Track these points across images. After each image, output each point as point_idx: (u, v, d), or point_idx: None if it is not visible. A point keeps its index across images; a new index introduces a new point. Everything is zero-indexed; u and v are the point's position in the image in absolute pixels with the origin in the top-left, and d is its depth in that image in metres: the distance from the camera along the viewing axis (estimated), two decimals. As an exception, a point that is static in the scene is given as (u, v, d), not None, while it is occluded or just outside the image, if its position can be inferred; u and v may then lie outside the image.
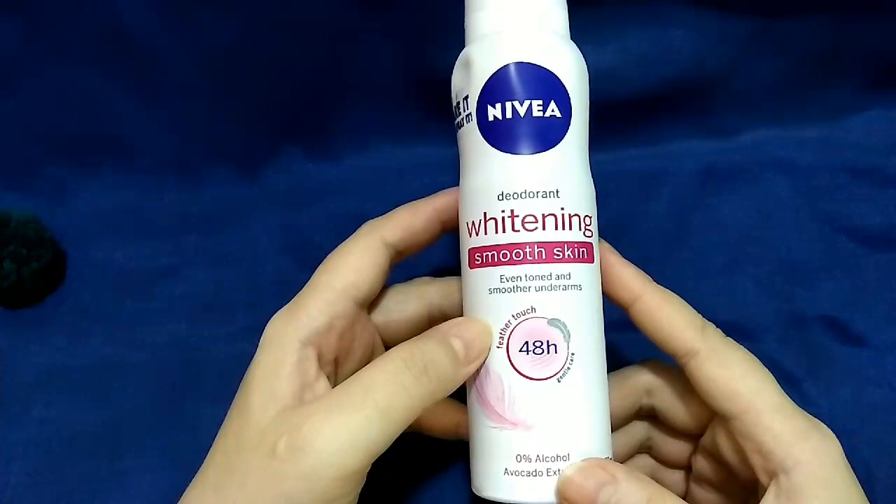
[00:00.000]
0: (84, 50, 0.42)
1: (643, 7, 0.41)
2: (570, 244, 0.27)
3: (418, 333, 0.33)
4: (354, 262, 0.29)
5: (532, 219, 0.27)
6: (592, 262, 0.28)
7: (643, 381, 0.31)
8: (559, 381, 0.27)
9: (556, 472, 0.26)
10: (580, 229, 0.28)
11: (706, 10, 0.41)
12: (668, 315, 0.29)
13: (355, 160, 0.46)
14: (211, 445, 0.27)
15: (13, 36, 0.42)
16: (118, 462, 0.38)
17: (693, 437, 0.31)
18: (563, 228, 0.27)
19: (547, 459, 0.27)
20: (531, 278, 0.27)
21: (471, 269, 0.28)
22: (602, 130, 0.43)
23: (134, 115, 0.44)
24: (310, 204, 0.46)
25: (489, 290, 0.28)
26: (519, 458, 0.27)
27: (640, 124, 0.45)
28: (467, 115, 0.28)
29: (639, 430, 0.33)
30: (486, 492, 0.28)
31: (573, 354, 0.27)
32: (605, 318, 0.29)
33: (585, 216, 0.28)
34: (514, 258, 0.27)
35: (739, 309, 0.41)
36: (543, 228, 0.27)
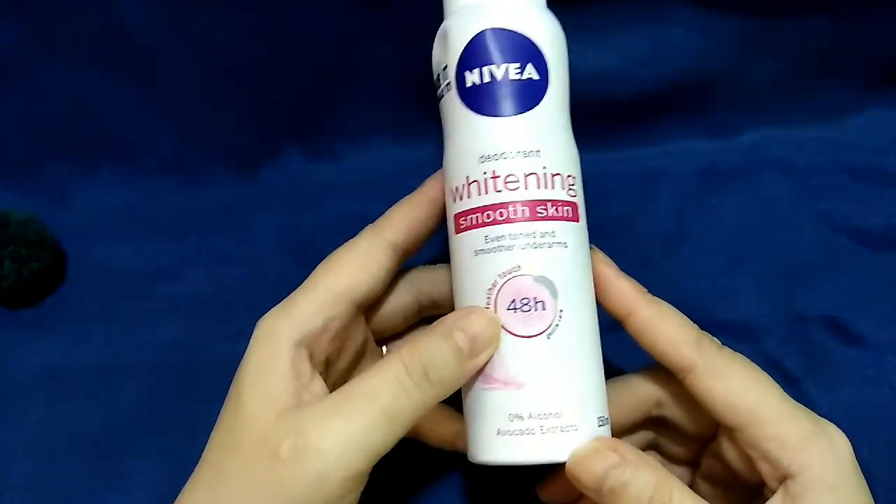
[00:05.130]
0: (84, 50, 0.42)
1: (643, 7, 0.41)
2: (554, 202, 0.27)
3: (408, 322, 0.33)
4: (358, 263, 0.29)
5: (514, 178, 0.27)
6: (578, 221, 0.28)
7: (653, 394, 0.31)
8: (548, 338, 0.27)
9: (550, 430, 0.26)
10: (563, 188, 0.28)
11: (706, 10, 0.41)
12: (661, 330, 0.28)
13: (355, 160, 0.46)
14: (209, 446, 0.27)
15: (13, 36, 0.42)
16: (118, 462, 0.38)
17: (702, 441, 0.31)
18: (546, 187, 0.27)
19: (539, 417, 0.26)
20: (515, 237, 0.27)
21: (456, 234, 0.28)
22: (602, 130, 0.44)
23: (134, 115, 0.44)
24: (310, 204, 0.46)
25: (475, 251, 0.28)
26: (511, 417, 0.27)
27: (640, 124, 0.45)
28: (447, 85, 0.29)
29: (646, 434, 0.33)
30: (480, 456, 0.28)
31: (561, 311, 0.27)
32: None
33: (568, 175, 0.28)
34: (498, 218, 0.27)
35: (739, 309, 0.40)
36: (526, 188, 0.27)
